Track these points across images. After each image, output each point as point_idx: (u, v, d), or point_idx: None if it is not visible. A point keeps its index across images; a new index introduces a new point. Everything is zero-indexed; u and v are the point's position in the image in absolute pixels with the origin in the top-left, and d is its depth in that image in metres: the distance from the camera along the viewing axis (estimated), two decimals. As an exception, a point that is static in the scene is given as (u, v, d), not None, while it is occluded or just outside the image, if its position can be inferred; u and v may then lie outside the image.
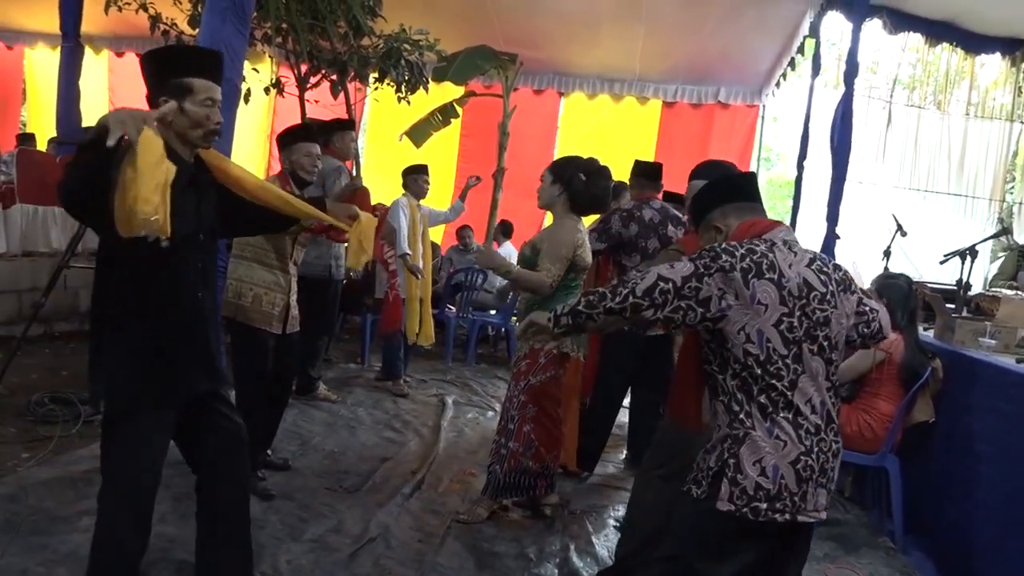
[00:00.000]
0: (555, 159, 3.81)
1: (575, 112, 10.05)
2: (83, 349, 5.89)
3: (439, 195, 9.54)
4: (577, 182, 3.58)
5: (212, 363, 2.42)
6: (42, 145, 8.94)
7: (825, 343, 1.96)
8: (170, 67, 2.26)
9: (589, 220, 3.98)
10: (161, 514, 3.06)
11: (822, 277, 1.98)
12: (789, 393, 1.90)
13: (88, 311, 6.88)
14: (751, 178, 2.37)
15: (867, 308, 2.16)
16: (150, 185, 1.91)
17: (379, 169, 9.26)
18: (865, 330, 2.17)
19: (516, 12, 8.10)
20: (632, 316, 1.92)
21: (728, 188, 2.26)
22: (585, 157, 3.73)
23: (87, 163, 1.93)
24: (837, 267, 2.07)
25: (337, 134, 5.12)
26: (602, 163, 3.73)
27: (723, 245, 1.96)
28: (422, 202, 6.06)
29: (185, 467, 2.53)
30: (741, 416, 1.92)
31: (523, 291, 3.71)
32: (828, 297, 1.97)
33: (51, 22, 7.95)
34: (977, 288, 5.67)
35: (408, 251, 5.69)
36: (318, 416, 5.05)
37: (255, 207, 2.54)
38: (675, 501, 2.12)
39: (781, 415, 1.90)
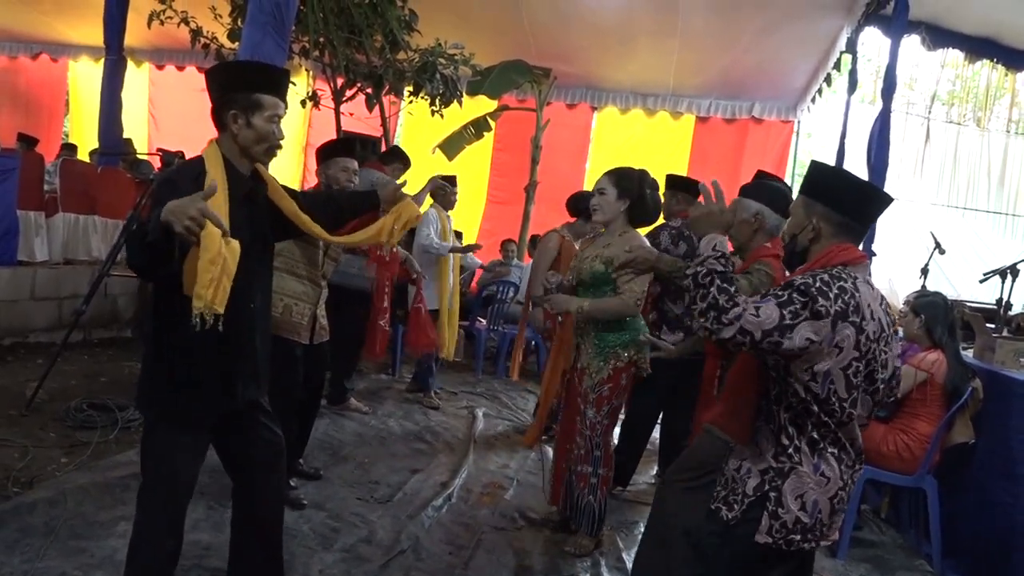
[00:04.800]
0: (613, 173, 3.51)
1: (608, 126, 10.10)
2: (122, 356, 6.07)
3: (471, 209, 9.62)
4: (647, 196, 3.45)
5: (259, 372, 2.44)
6: (83, 155, 9.14)
7: (882, 385, 1.92)
8: (242, 81, 2.29)
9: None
10: (195, 521, 3.10)
11: (887, 319, 1.92)
12: (838, 431, 1.88)
13: (126, 319, 6.84)
14: (880, 204, 2.04)
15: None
16: (204, 280, 1.95)
17: (411, 182, 9.31)
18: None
19: (550, 27, 8.15)
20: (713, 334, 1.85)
21: (858, 201, 1.98)
22: (637, 169, 3.56)
23: (152, 260, 1.98)
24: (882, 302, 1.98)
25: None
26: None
27: (817, 283, 1.82)
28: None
29: (220, 474, 2.56)
30: (790, 450, 1.89)
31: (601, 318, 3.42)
32: (889, 339, 1.92)
33: (95, 35, 8.17)
34: (1018, 308, 5.56)
35: (447, 244, 5.69)
36: (349, 426, 5.07)
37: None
38: (697, 513, 2.10)
39: (829, 450, 1.88)
